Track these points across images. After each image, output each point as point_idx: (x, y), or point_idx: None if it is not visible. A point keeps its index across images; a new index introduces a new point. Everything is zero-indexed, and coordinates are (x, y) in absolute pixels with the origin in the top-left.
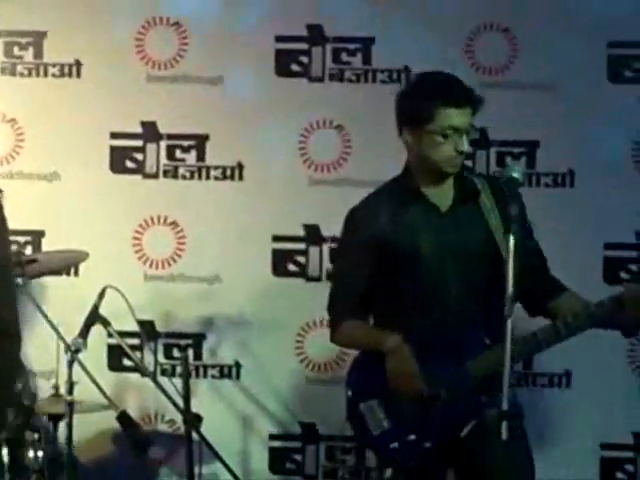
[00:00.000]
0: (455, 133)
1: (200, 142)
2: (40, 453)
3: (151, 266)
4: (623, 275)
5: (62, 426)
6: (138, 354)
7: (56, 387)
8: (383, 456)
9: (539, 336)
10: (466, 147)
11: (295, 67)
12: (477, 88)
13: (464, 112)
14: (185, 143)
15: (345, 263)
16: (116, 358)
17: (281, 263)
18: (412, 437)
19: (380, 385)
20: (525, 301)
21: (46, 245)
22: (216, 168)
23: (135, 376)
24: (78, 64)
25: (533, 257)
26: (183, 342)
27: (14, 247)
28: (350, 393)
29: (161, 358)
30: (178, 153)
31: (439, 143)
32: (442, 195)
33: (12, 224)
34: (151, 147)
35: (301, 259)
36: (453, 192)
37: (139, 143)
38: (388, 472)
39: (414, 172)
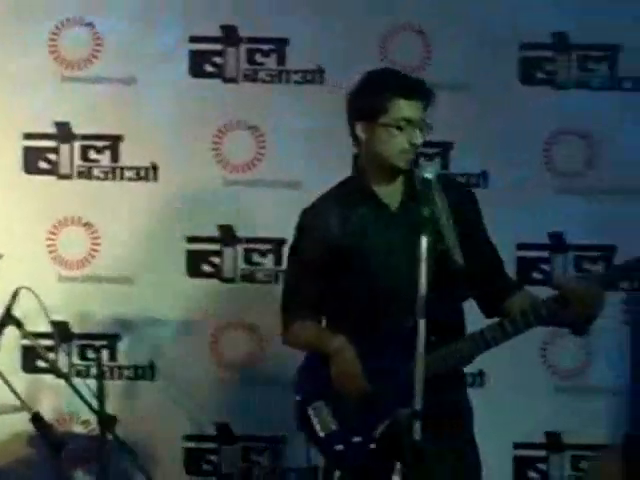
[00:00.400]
0: (408, 125)
1: (114, 143)
2: None
3: (65, 267)
4: (536, 275)
5: None
6: (52, 355)
7: None
8: (330, 458)
9: (486, 334)
10: (419, 140)
11: (209, 68)
12: None
13: (416, 104)
14: (99, 144)
15: (296, 265)
16: (30, 359)
17: (195, 264)
18: (357, 439)
19: (328, 387)
20: (480, 302)
21: None
22: (130, 169)
23: (49, 377)
24: None
25: (486, 258)
26: (97, 343)
27: None
28: (298, 396)
29: (75, 359)
30: (92, 154)
31: (392, 136)
32: (393, 193)
33: None
34: (65, 148)
35: (216, 260)
36: (402, 190)
37: (53, 144)
38: (337, 474)
39: (365, 170)
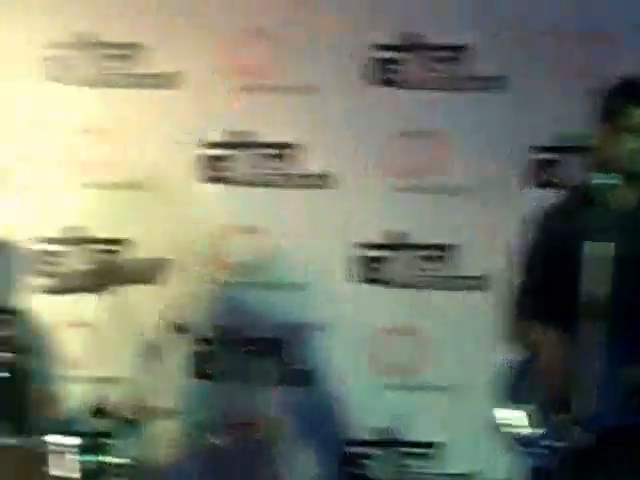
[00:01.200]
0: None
1: (290, 150)
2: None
3: (231, 273)
4: None
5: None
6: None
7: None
8: (533, 460)
9: None
10: None
11: (388, 75)
12: None
13: None
14: (274, 151)
15: (524, 264)
16: (199, 365)
17: (364, 270)
18: (559, 443)
19: (538, 389)
20: None
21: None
22: (304, 176)
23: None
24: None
25: None
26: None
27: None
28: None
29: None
30: (267, 161)
31: (622, 140)
32: (622, 197)
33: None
34: (239, 155)
35: (384, 266)
36: (636, 195)
37: (227, 152)
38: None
39: (598, 172)
